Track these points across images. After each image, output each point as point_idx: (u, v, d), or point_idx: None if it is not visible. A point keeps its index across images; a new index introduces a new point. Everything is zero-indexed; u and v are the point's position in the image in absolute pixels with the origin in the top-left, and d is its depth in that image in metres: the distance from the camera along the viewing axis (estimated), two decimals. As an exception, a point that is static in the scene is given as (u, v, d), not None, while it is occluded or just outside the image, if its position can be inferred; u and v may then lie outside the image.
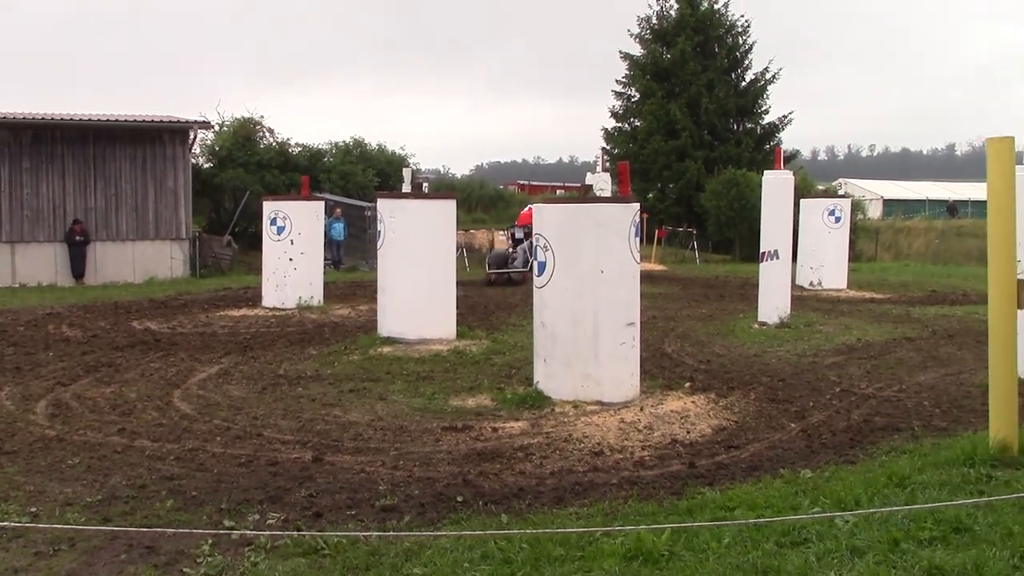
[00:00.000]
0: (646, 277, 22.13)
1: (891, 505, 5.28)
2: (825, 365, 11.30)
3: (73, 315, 16.13)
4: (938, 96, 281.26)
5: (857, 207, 34.43)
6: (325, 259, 26.77)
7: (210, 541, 5.14)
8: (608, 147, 40.47)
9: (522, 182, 70.65)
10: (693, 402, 9.11)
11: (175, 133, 24.60)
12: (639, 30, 40.66)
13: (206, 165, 29.79)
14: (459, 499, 6.04)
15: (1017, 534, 4.67)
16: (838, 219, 21.57)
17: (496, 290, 21.22)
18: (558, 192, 55.25)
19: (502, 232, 28.65)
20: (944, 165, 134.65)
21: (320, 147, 33.06)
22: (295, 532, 5.33)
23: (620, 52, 40.87)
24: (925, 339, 13.44)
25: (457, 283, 13.64)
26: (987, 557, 4.42)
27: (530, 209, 24.81)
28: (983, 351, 7.67)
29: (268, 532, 5.33)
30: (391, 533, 5.27)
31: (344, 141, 33.84)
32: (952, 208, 55.60)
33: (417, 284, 12.54)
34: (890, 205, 59.07)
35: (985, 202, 6.28)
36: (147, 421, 8.41)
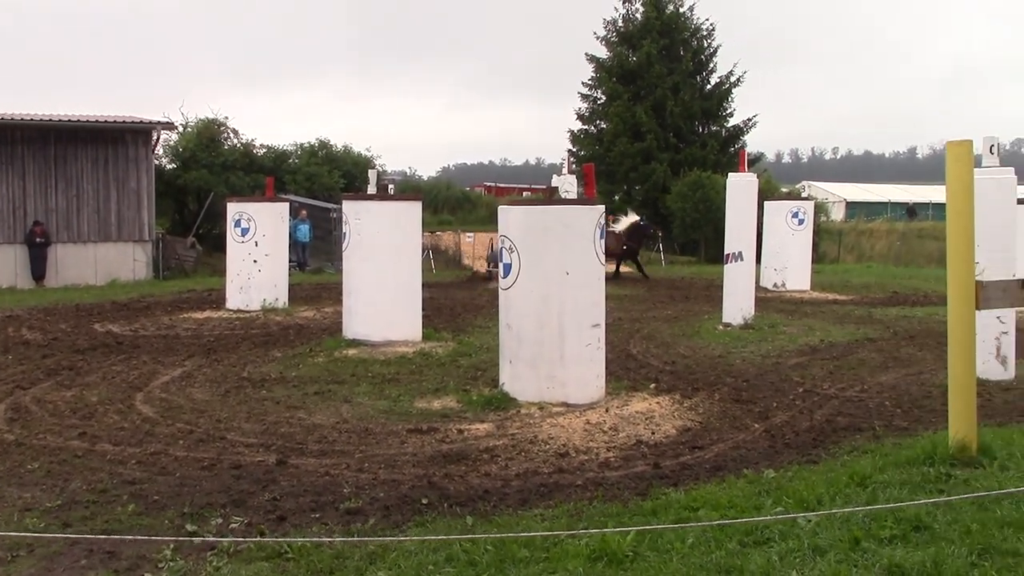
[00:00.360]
0: (609, 278, 22.20)
1: (853, 504, 5.32)
2: (788, 366, 11.39)
3: (33, 318, 15.91)
4: (901, 100, 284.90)
5: (820, 209, 34.73)
6: (290, 261, 26.54)
7: (172, 546, 5.09)
8: (574, 149, 40.56)
9: (489, 184, 70.74)
10: (658, 403, 9.15)
11: (138, 134, 24.33)
12: (605, 32, 40.78)
13: (169, 166, 29.47)
14: (424, 501, 6.03)
15: (975, 532, 4.73)
16: (801, 221, 21.77)
17: (463, 292, 21.21)
18: (525, 194, 55.35)
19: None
20: (906, 168, 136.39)
21: (285, 148, 32.85)
22: (258, 536, 5.29)
23: (586, 55, 40.97)
24: (887, 340, 13.59)
25: (423, 285, 13.62)
26: (946, 555, 4.46)
27: None
28: (943, 352, 7.77)
29: (231, 537, 5.29)
30: (355, 536, 5.24)
31: (309, 142, 33.65)
32: (912, 211, 56.30)
33: (382, 286, 12.51)
34: (853, 207, 59.74)
35: (944, 204, 6.35)
36: (108, 425, 8.31)
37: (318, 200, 29.45)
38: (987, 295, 6.04)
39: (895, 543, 4.70)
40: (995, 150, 10.37)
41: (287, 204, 19.29)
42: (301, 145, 33.43)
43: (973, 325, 6.08)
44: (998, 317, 10.05)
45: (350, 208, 12.95)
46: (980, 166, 10.45)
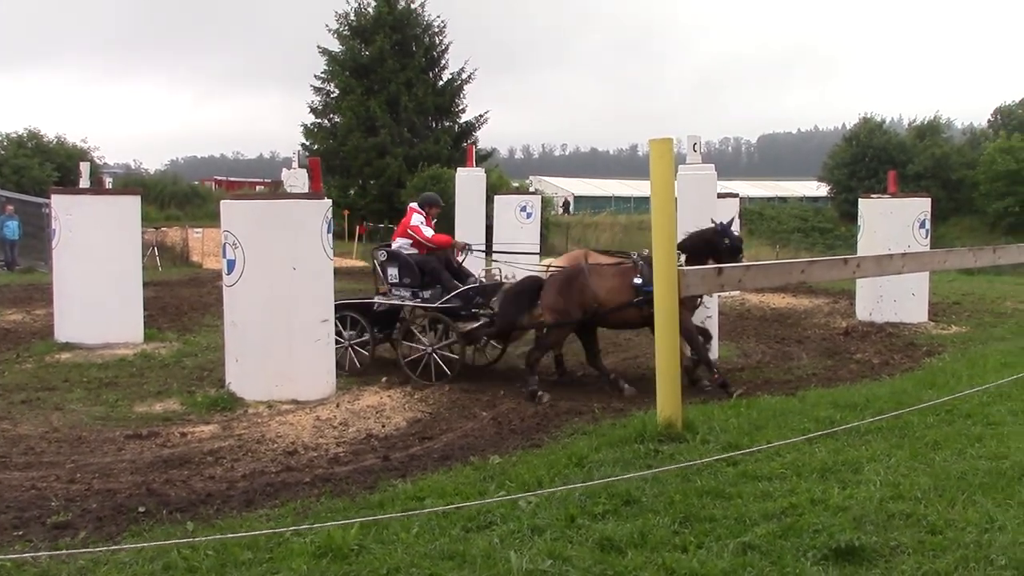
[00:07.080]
0: (347, 273, 22.07)
1: (570, 484, 5.57)
2: (516, 355, 11.73)
3: None
4: (625, 101, 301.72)
5: (547, 203, 36.12)
6: (-4, 260, 24.51)
7: None
8: (307, 143, 39.98)
9: (219, 178, 68.40)
10: (389, 396, 9.20)
11: None
12: (337, 26, 40.44)
13: None
14: (141, 510, 5.74)
15: (678, 502, 5.08)
16: (529, 215, 22.54)
17: (190, 290, 20.36)
18: (258, 188, 53.95)
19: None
20: (628, 164, 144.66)
21: (-13, 139, 30.31)
22: (-51, 561, 4.85)
23: (319, 47, 40.49)
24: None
25: (148, 283, 12.96)
26: (652, 525, 4.76)
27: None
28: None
29: (-83, 563, 4.82)
30: (63, 551, 4.91)
31: (17, 132, 31.20)
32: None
33: (97, 285, 11.79)
34: (580, 201, 62.57)
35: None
36: None
37: (28, 195, 27.44)
38: (688, 282, 6.50)
39: (607, 518, 4.95)
40: (697, 148, 11.18)
41: (-10, 199, 17.81)
42: (7, 135, 30.97)
43: (676, 311, 6.50)
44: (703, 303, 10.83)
45: (60, 203, 12.14)
46: (686, 163, 11.27)
